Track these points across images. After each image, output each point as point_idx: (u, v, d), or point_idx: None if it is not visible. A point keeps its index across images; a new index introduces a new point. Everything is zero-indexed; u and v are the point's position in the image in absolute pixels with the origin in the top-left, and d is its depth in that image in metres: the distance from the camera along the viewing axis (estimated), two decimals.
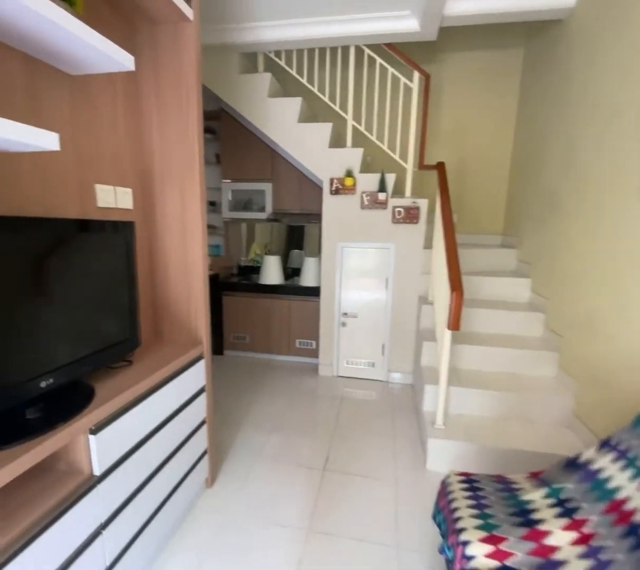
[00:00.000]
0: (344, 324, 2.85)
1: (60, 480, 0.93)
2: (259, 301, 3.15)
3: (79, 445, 0.94)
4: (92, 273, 1.03)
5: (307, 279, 3.06)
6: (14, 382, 0.82)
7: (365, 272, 2.73)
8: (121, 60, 0.97)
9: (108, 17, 1.18)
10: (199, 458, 1.54)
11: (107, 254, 1.07)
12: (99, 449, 0.96)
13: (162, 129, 1.36)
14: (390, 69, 2.46)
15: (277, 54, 2.65)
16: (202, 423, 1.54)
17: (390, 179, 2.52)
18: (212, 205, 3.60)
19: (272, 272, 3.12)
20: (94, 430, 0.94)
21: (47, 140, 0.77)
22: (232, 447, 2.00)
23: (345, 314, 2.83)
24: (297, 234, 3.48)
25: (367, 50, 2.48)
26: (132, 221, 1.13)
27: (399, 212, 2.55)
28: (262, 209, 3.26)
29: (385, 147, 2.58)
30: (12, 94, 0.91)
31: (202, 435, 1.54)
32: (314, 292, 3.00)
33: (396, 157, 2.58)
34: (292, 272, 3.43)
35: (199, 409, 1.49)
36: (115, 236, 1.09)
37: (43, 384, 0.89)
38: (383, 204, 2.56)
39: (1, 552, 0.73)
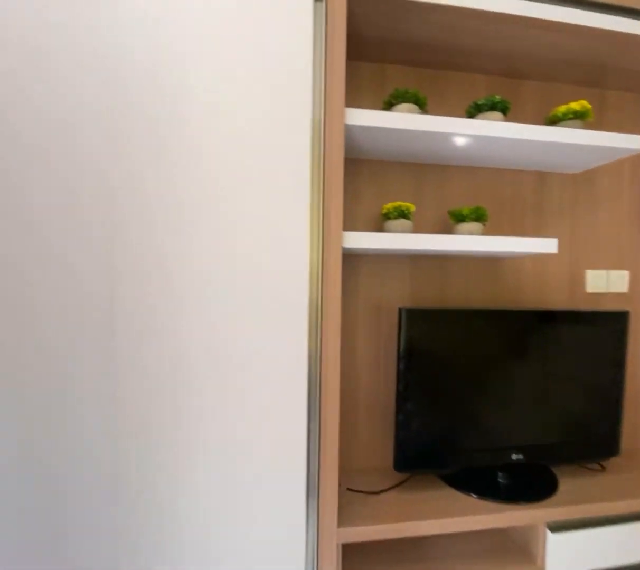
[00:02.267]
0: None
1: (507, 554, 1.01)
2: None
3: (537, 534, 0.97)
4: (573, 362, 1.06)
5: None
6: (493, 445, 1.03)
7: None
8: (633, 146, 0.98)
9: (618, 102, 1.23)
10: None
11: (593, 344, 1.06)
12: (556, 550, 0.95)
13: None
14: None
15: None
16: None
17: None
18: None
19: None
20: (553, 528, 0.95)
21: (547, 246, 0.94)
22: None
23: None
24: None
25: None
26: (626, 311, 1.06)
27: None
28: None
29: None
30: (523, 208, 1.18)
31: None
32: None
33: None
34: None
35: None
36: (604, 326, 1.06)
37: (513, 457, 1.03)
38: None
39: None
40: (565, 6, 0.91)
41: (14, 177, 0.73)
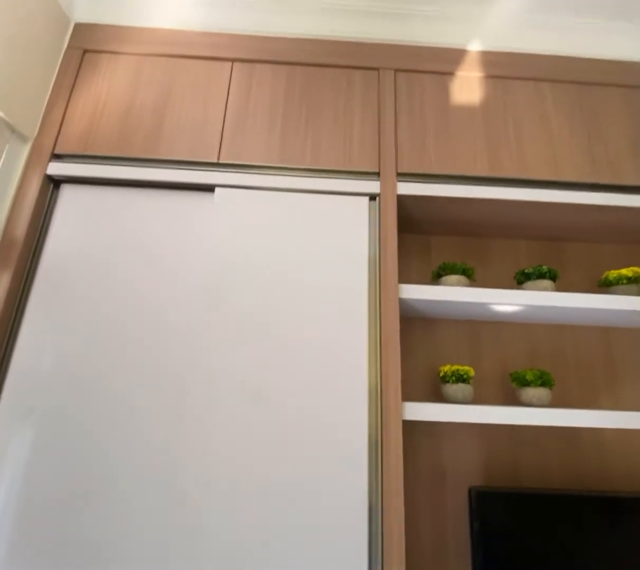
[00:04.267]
0: None
1: None
2: None
3: None
4: None
5: None
6: None
7: None
8: None
9: None
10: None
11: None
12: None
13: None
14: None
15: None
16: None
17: None
18: None
19: None
20: None
21: (630, 422, 0.87)
22: None
23: None
24: None
25: None
26: None
27: None
28: None
29: None
30: (591, 367, 1.15)
31: None
32: None
33: None
34: None
35: None
36: None
37: None
38: None
39: None
40: (595, 191, 1.05)
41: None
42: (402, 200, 1.04)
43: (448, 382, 0.98)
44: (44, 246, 0.96)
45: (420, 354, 1.13)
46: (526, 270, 1.04)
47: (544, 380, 0.96)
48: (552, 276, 1.02)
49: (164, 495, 0.77)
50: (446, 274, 1.03)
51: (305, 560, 0.73)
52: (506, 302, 0.95)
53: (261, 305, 0.89)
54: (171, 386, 0.85)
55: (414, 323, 1.15)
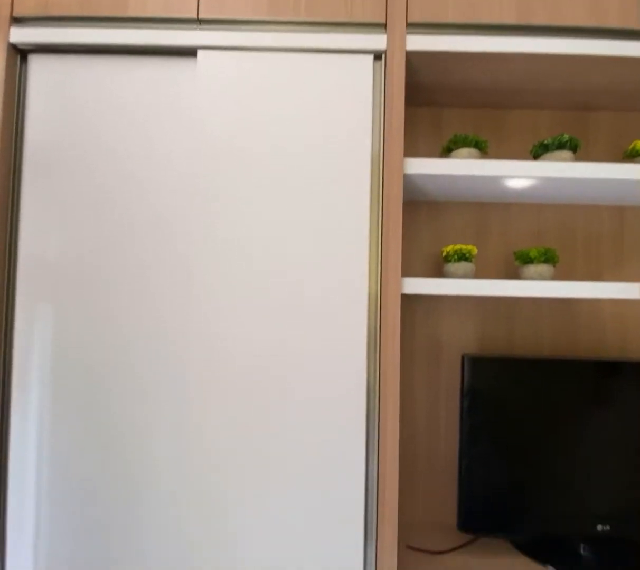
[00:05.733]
0: None
1: None
2: None
3: None
4: None
5: None
6: (574, 512, 0.95)
7: None
8: None
9: None
10: None
11: None
12: None
13: None
14: None
15: None
16: None
17: None
18: None
19: None
20: None
21: (628, 292, 0.89)
22: None
23: None
24: None
25: None
26: None
27: None
28: None
29: None
30: (599, 246, 1.12)
31: None
32: None
33: None
34: None
35: None
36: None
37: (599, 528, 0.94)
38: None
39: None
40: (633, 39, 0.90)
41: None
42: (411, 58, 0.91)
43: (450, 261, 0.98)
44: (24, 125, 0.90)
45: (425, 238, 1.11)
46: (545, 142, 0.95)
47: (547, 257, 0.96)
48: (573, 146, 0.94)
49: (174, 361, 0.86)
50: (457, 148, 0.95)
51: (306, 425, 0.83)
52: (520, 174, 0.89)
53: (255, 184, 0.86)
54: (176, 268, 0.87)
55: (419, 207, 1.11)
